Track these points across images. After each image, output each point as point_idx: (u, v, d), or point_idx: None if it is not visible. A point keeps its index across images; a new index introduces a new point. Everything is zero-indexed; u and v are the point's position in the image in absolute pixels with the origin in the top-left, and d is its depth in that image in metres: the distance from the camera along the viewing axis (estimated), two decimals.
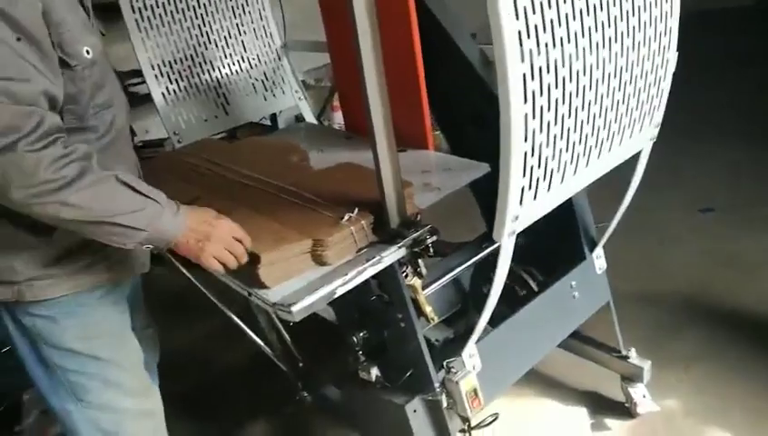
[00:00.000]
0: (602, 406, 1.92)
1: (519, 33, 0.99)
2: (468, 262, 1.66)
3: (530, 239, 1.79)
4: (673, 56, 1.37)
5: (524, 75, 1.01)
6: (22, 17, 0.95)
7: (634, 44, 1.24)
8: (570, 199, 1.66)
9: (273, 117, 2.44)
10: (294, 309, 1.13)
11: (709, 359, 2.02)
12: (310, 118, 2.37)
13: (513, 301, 1.69)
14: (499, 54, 0.98)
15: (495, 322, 1.55)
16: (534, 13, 1.01)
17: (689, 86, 4.35)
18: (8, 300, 1.15)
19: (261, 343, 1.84)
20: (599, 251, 1.75)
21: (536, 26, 1.01)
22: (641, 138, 1.44)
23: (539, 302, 1.62)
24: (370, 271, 1.23)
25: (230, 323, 1.59)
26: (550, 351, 1.89)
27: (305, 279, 1.21)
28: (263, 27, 2.30)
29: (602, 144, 1.28)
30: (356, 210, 1.28)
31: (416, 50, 1.61)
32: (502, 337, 1.52)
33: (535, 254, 1.79)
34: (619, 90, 1.25)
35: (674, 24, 1.33)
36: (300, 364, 1.98)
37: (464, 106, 1.71)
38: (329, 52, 1.96)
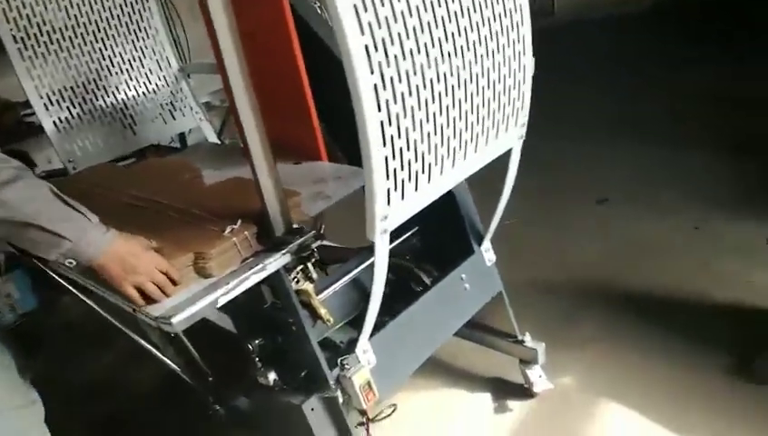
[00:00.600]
0: (504, 390, 2.03)
1: (366, 46, 1.07)
2: (363, 265, 1.73)
3: (423, 238, 1.91)
4: (529, 62, 1.50)
5: (375, 85, 1.09)
6: None
7: (487, 51, 1.35)
8: (454, 197, 1.79)
9: (182, 137, 2.47)
10: (174, 320, 1.17)
11: (603, 339, 2.16)
12: (212, 138, 2.41)
13: (410, 297, 1.78)
14: (348, 68, 1.06)
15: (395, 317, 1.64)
16: (380, 27, 1.09)
17: (587, 86, 4.69)
18: None
19: (169, 362, 1.86)
20: (487, 244, 1.86)
21: (383, 40, 1.10)
22: (509, 138, 1.55)
23: (430, 296, 1.71)
24: (254, 278, 1.28)
25: (135, 347, 1.60)
26: (450, 341, 2.00)
27: (190, 291, 1.25)
28: (159, 52, 2.33)
29: (466, 145, 1.38)
30: (239, 221, 1.33)
31: (299, 65, 1.68)
32: (395, 331, 1.60)
33: (428, 252, 1.90)
34: (477, 94, 1.35)
35: (526, 32, 1.45)
36: (210, 379, 2.01)
37: (348, 115, 1.78)
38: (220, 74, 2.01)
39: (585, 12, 7.27)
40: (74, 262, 1.15)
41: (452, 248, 1.87)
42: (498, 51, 1.38)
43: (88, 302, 1.64)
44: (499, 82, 1.41)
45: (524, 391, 1.99)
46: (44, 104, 2.03)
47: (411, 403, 2.02)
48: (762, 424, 1.73)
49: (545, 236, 2.87)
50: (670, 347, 2.05)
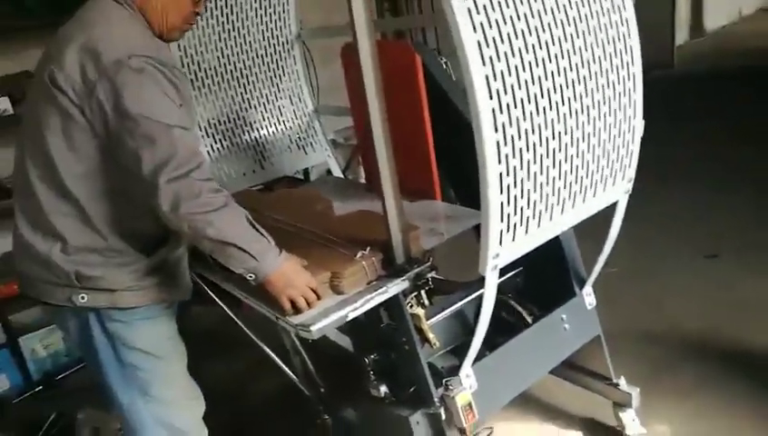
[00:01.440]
0: (596, 431, 2.10)
1: (493, 109, 1.26)
2: (468, 297, 1.89)
3: (528, 278, 2.05)
4: (639, 124, 1.63)
5: (497, 142, 1.28)
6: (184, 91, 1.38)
7: (599, 114, 1.50)
8: (559, 241, 1.92)
9: (306, 171, 2.76)
10: (313, 328, 1.39)
11: (702, 393, 2.17)
12: (337, 172, 2.68)
13: (511, 332, 1.91)
14: (477, 127, 1.25)
15: (494, 350, 1.79)
16: (506, 94, 1.28)
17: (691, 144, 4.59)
18: (102, 306, 1.45)
19: (289, 372, 2.11)
20: (588, 289, 1.97)
21: (507, 104, 1.29)
22: (615, 191, 1.68)
23: (531, 332, 1.84)
24: (378, 299, 1.49)
25: (258, 359, 1.84)
26: (548, 379, 2.12)
27: (322, 306, 1.47)
28: (297, 94, 2.64)
29: (575, 196, 1.53)
30: (368, 248, 1.54)
31: (425, 118, 1.89)
32: (496, 361, 1.74)
33: (532, 292, 2.03)
34: (588, 152, 1.50)
35: (637, 97, 1.59)
36: (322, 390, 2.23)
37: (466, 163, 1.97)
38: (351, 116, 2.27)
39: (708, 64, 7.12)
40: (254, 276, 1.39)
41: (554, 290, 1.98)
42: (610, 114, 1.53)
43: (228, 311, 1.92)
44: (609, 141, 1.55)
45: (615, 433, 2.05)
46: (202, 135, 2.37)
47: (503, 431, 2.14)
48: None
49: (648, 288, 2.89)
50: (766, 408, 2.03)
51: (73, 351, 3.01)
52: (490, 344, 1.81)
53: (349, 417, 2.14)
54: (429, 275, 1.57)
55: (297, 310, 1.44)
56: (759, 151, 4.27)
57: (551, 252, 1.95)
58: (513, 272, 2.02)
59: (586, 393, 2.14)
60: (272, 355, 2.06)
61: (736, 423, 2.02)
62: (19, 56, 3.09)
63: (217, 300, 1.92)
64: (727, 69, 6.68)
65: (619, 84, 1.52)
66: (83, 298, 1.44)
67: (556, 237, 1.90)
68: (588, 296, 1.97)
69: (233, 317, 1.97)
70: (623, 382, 2.03)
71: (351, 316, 1.45)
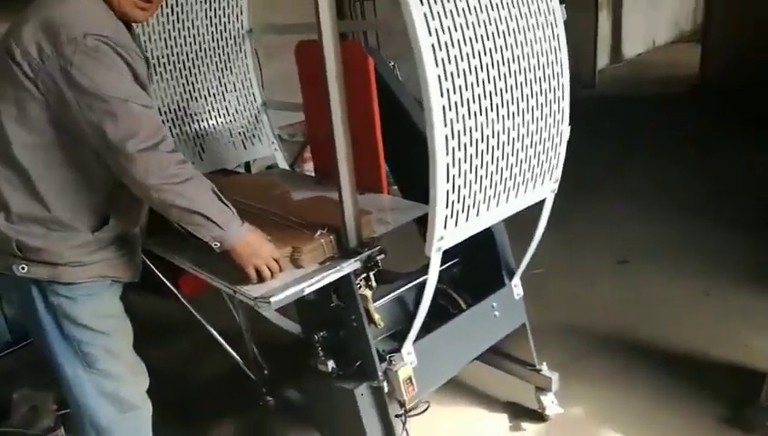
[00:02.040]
0: (520, 413, 2.30)
1: (444, 107, 1.42)
2: (410, 284, 2.04)
3: (463, 269, 2.22)
4: (566, 129, 1.83)
5: (446, 136, 1.44)
6: (141, 71, 1.44)
7: (533, 118, 1.69)
8: (492, 235, 2.10)
9: (247, 165, 2.83)
10: (273, 300, 1.49)
11: (613, 378, 2.43)
12: (284, 166, 2.77)
13: (447, 318, 2.07)
14: (429, 122, 1.41)
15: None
16: (455, 93, 1.45)
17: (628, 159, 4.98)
18: (43, 279, 1.47)
19: (234, 354, 2.19)
20: (516, 280, 2.16)
21: (456, 103, 1.45)
22: (543, 189, 1.88)
23: (466, 317, 2.01)
24: (333, 276, 1.61)
25: (196, 344, 1.90)
26: (477, 366, 2.30)
27: (281, 281, 1.58)
28: (247, 87, 2.71)
29: (509, 191, 1.71)
30: (326, 229, 1.66)
31: (375, 116, 2.02)
32: (434, 342, 1.90)
33: (466, 282, 2.20)
34: (522, 151, 1.69)
35: (565, 105, 1.80)
36: (266, 372, 2.32)
37: (411, 160, 2.13)
38: (304, 112, 2.38)
39: (625, 88, 7.68)
40: (219, 245, 1.49)
41: (487, 280, 2.16)
42: (541, 117, 1.72)
43: (178, 294, 1.98)
44: (540, 142, 1.75)
45: (537, 416, 2.26)
46: None
47: (437, 416, 2.29)
48: None
49: (569, 286, 3.15)
50: (672, 393, 2.30)
51: (4, 332, 2.96)
52: (428, 329, 1.96)
53: (292, 397, 2.25)
54: (379, 258, 1.71)
55: (261, 279, 1.54)
56: (669, 167, 4.69)
57: (484, 245, 2.14)
58: (450, 263, 2.20)
59: (510, 380, 2.33)
60: (218, 337, 2.15)
61: (640, 404, 2.27)
62: None
63: (164, 279, 1.99)
64: (642, 93, 7.24)
65: (550, 91, 1.72)
66: (23, 268, 1.46)
67: (489, 231, 2.10)
68: (516, 287, 2.16)
69: (180, 297, 2.04)
70: (545, 368, 2.23)
71: (308, 290, 1.56)
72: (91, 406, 1.61)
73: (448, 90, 1.43)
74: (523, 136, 1.68)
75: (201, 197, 1.46)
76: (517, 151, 1.68)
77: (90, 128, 1.36)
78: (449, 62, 1.43)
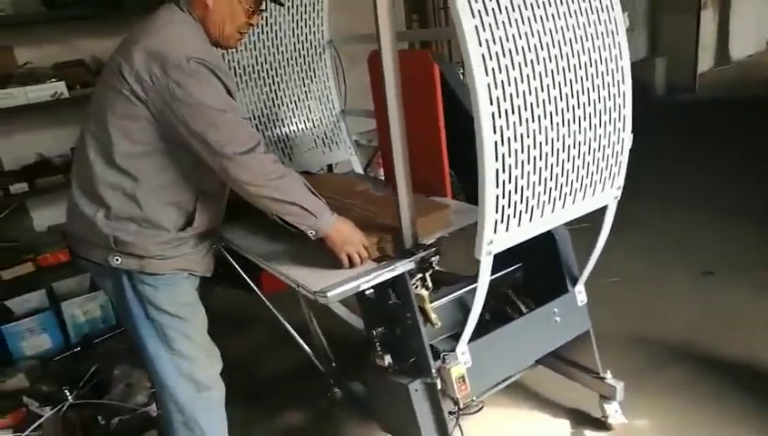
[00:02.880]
0: (582, 421, 2.28)
1: (493, 114, 1.47)
2: (469, 287, 2.08)
3: (527, 275, 2.24)
4: (628, 137, 1.82)
5: (495, 142, 1.49)
6: (232, 88, 1.65)
7: (590, 125, 1.70)
8: (555, 241, 2.11)
9: (330, 167, 2.99)
10: (329, 294, 1.61)
11: (683, 391, 2.35)
12: (359, 170, 2.90)
13: (509, 321, 2.10)
14: (478, 128, 1.46)
15: None
16: (504, 101, 1.49)
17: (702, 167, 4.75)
18: (133, 269, 1.68)
19: (305, 346, 2.32)
20: (580, 287, 2.14)
21: (506, 110, 1.50)
22: (605, 196, 1.87)
23: (524, 321, 2.04)
24: (386, 275, 1.70)
25: (272, 336, 2.04)
26: (542, 372, 2.32)
27: (340, 276, 1.69)
28: (326, 96, 2.86)
29: (565, 197, 1.73)
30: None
31: (440, 122, 2.10)
32: (490, 343, 1.94)
33: (529, 287, 2.22)
34: (578, 157, 1.70)
35: (627, 113, 1.79)
36: (334, 365, 2.45)
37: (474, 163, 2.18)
38: (375, 119, 2.49)
39: (729, 92, 7.24)
40: (314, 233, 1.68)
41: (550, 287, 2.17)
42: (600, 125, 1.73)
43: (254, 288, 2.13)
44: (598, 150, 1.75)
45: (600, 425, 2.23)
46: None
47: (497, 417, 2.33)
48: None
49: (646, 296, 3.06)
50: (743, 409, 2.20)
51: (109, 318, 3.29)
52: (489, 332, 2.01)
53: (357, 390, 2.36)
54: (433, 259, 1.78)
55: (352, 264, 1.71)
56: (761, 176, 4.41)
57: (548, 251, 2.15)
58: (513, 268, 2.23)
59: (575, 387, 2.32)
60: (291, 330, 2.29)
61: (709, 421, 2.18)
62: (74, 46, 3.39)
63: (244, 275, 2.15)
64: (746, 97, 6.80)
65: (609, 99, 1.72)
66: (117, 260, 1.67)
67: (553, 238, 2.11)
68: (580, 293, 2.15)
69: (259, 293, 2.20)
70: (609, 376, 2.20)
71: (363, 287, 1.66)
72: (170, 385, 1.80)
73: (498, 98, 1.48)
74: (579, 143, 1.69)
75: (296, 190, 1.66)
76: (573, 157, 1.69)
77: (195, 137, 1.58)
78: (500, 71, 1.48)
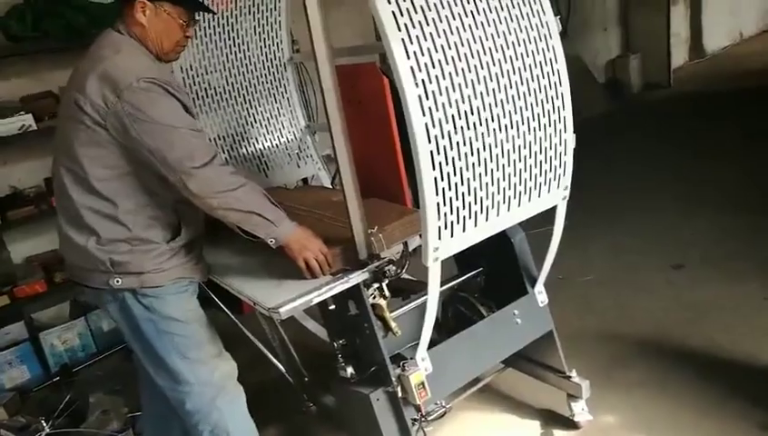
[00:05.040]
0: (551, 420, 2.30)
1: (426, 124, 1.51)
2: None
3: (488, 279, 2.27)
4: (570, 138, 1.86)
5: (431, 152, 1.52)
6: (186, 102, 1.69)
7: (529, 128, 1.73)
8: (511, 244, 2.14)
9: (305, 181, 3.02)
10: (281, 310, 1.63)
11: (649, 386, 2.37)
12: (327, 183, 2.94)
13: (470, 325, 2.13)
14: (412, 139, 1.50)
15: None
16: (437, 111, 1.53)
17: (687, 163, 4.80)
18: (135, 287, 1.73)
19: (278, 363, 2.34)
20: (540, 287, 2.17)
21: (439, 120, 1.53)
22: (552, 197, 1.91)
23: (484, 324, 2.07)
24: (340, 287, 1.73)
25: (253, 354, 2.07)
26: (511, 374, 2.37)
27: (295, 292, 1.71)
28: (291, 112, 2.90)
29: (509, 200, 1.76)
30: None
31: (393, 132, 2.09)
32: (450, 348, 1.97)
33: (491, 291, 2.25)
34: (519, 161, 1.74)
35: (567, 114, 1.82)
36: (306, 379, 2.46)
37: None
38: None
39: (703, 85, 7.32)
40: (274, 240, 1.72)
41: (511, 289, 2.20)
42: (540, 128, 1.76)
43: (228, 313, 2.15)
44: (540, 152, 1.79)
45: (570, 424, 2.25)
46: None
47: (467, 419, 2.35)
48: None
49: (618, 293, 3.09)
50: (711, 399, 2.22)
51: (89, 346, 3.30)
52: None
53: (329, 403, 2.38)
54: (388, 268, 1.80)
55: (312, 273, 1.74)
56: (732, 168, 4.47)
57: (506, 254, 2.18)
58: (472, 273, 2.26)
59: (545, 388, 2.34)
60: (263, 349, 2.30)
61: (676, 414, 2.20)
62: (42, 78, 3.42)
63: (219, 303, 2.16)
64: (720, 89, 6.87)
65: (547, 102, 1.76)
66: (117, 281, 1.73)
67: (510, 241, 2.14)
68: (540, 294, 2.18)
69: (232, 317, 2.21)
70: (574, 375, 2.23)
71: (315, 300, 1.69)
72: (192, 392, 1.85)
73: (429, 108, 1.52)
74: (519, 147, 1.73)
75: (255, 200, 1.70)
76: (514, 161, 1.73)
77: (153, 155, 1.63)
78: (430, 81, 1.52)
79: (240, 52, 2.71)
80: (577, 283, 3.23)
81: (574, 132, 1.87)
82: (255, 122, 2.81)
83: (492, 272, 2.27)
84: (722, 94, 6.66)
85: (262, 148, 2.82)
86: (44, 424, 2.54)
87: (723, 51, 9.14)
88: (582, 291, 3.15)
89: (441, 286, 2.08)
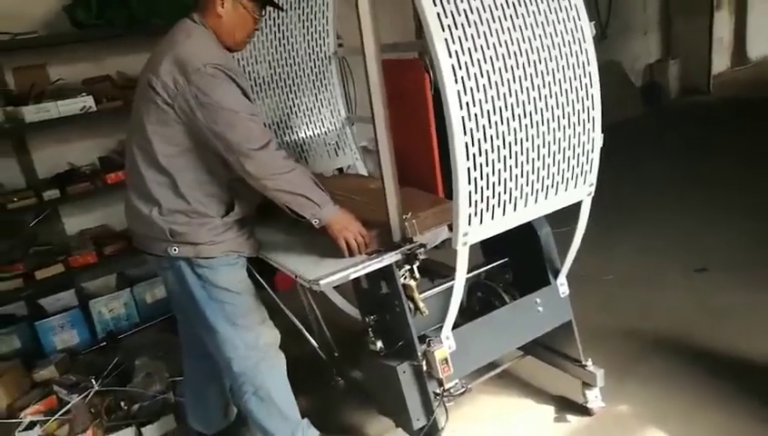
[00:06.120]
0: (566, 406, 2.42)
1: (463, 118, 1.64)
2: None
3: (514, 270, 2.39)
4: (598, 136, 1.97)
5: (466, 144, 1.65)
6: (247, 90, 1.85)
7: (559, 125, 1.85)
8: (537, 235, 2.26)
9: (341, 171, 3.17)
10: (322, 282, 1.78)
11: (664, 380, 2.47)
12: (364, 172, 3.08)
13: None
14: (449, 132, 1.63)
15: None
16: (474, 106, 1.66)
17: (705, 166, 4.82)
18: (190, 256, 1.91)
19: (310, 338, 2.49)
20: (562, 279, 2.28)
21: (475, 114, 1.66)
22: (577, 193, 2.02)
23: (507, 310, 2.19)
24: (374, 265, 1.87)
25: (286, 330, 2.21)
26: (530, 362, 2.46)
27: (334, 267, 1.86)
28: (333, 104, 3.05)
29: (537, 193, 1.88)
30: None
31: (431, 125, 2.24)
32: (474, 329, 2.10)
33: (516, 280, 2.37)
34: (549, 156, 1.85)
35: (596, 114, 1.93)
36: (336, 355, 2.62)
37: None
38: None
39: (744, 92, 7.25)
40: (318, 221, 1.87)
41: (535, 280, 2.32)
42: (569, 126, 1.88)
43: (265, 285, 2.31)
44: (569, 148, 1.90)
45: (584, 411, 2.36)
46: None
47: (485, 401, 2.48)
48: None
49: (639, 293, 3.17)
50: (723, 396, 2.31)
51: (133, 316, 3.52)
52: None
53: (357, 378, 2.53)
54: (419, 252, 1.94)
55: (350, 252, 1.89)
56: (761, 177, 4.49)
57: (532, 247, 2.30)
58: (499, 263, 2.39)
59: (562, 377, 2.46)
60: (297, 322, 2.47)
61: (688, 408, 2.30)
62: (102, 63, 3.65)
63: (260, 279, 2.31)
64: (759, 98, 6.81)
65: (578, 102, 1.87)
66: (174, 250, 1.91)
67: (537, 234, 2.26)
68: (562, 285, 2.29)
69: (271, 293, 2.37)
70: (590, 364, 2.34)
71: (352, 276, 1.84)
72: (239, 356, 2.03)
73: (467, 103, 1.65)
74: (549, 143, 1.84)
75: (304, 183, 1.86)
76: (543, 157, 1.85)
77: (215, 136, 1.80)
78: (469, 78, 1.64)
79: (288, 44, 2.87)
80: (600, 281, 3.32)
81: (603, 132, 1.97)
82: (299, 112, 2.96)
83: (518, 264, 2.39)
84: (763, 101, 6.61)
85: (304, 137, 2.98)
86: (94, 383, 2.74)
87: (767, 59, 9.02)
88: (604, 289, 3.24)
89: (468, 273, 2.23)
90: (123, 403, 2.66)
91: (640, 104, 7.06)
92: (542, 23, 1.79)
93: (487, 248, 2.44)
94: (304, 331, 2.50)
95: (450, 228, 1.87)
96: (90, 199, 3.61)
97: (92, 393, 2.71)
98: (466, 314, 2.39)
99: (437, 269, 2.34)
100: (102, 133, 3.72)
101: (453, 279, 2.20)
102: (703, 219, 3.95)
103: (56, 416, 2.63)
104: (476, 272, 2.35)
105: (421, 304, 2.02)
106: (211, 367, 2.26)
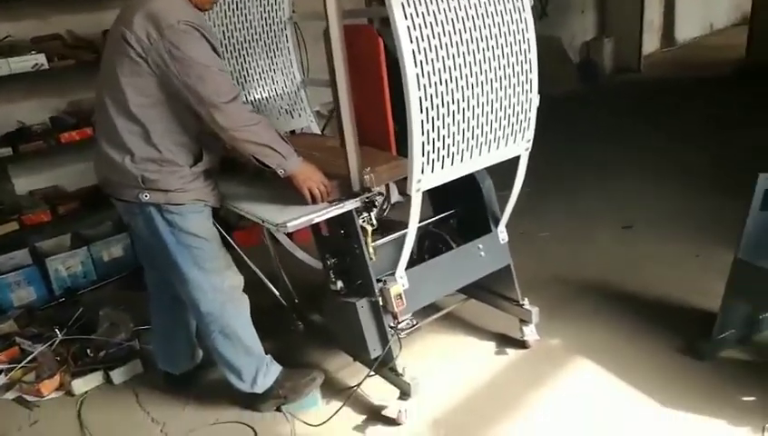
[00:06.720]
0: (505, 342, 2.70)
1: (417, 75, 1.84)
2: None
3: (459, 220, 2.63)
4: (535, 97, 2.21)
5: (420, 99, 1.86)
6: (217, 46, 1.98)
7: (500, 84, 2.08)
8: (480, 189, 2.50)
9: (293, 133, 3.31)
10: (289, 225, 1.96)
11: (591, 318, 2.79)
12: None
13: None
14: (405, 87, 1.83)
15: None
16: (427, 64, 1.86)
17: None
18: (160, 202, 2.04)
19: (271, 286, 2.67)
20: (502, 227, 2.54)
21: (428, 72, 1.87)
22: (516, 147, 2.27)
23: (453, 254, 2.44)
24: (336, 211, 2.06)
25: (248, 283, 2.37)
26: (474, 305, 2.72)
27: (298, 213, 2.04)
28: (288, 68, 3.18)
29: (480, 146, 2.11)
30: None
31: (384, 88, 2.41)
32: (424, 270, 2.33)
33: (462, 230, 2.62)
34: (491, 112, 2.09)
35: (533, 76, 2.17)
36: (296, 301, 2.81)
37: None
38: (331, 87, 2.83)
39: (670, 72, 7.75)
40: (283, 171, 2.02)
41: (478, 229, 2.57)
42: (509, 87, 2.11)
43: (227, 237, 2.45)
44: (509, 107, 2.14)
45: (521, 345, 2.65)
46: None
47: (433, 339, 2.74)
48: (695, 385, 2.30)
49: (573, 246, 3.50)
50: (641, 329, 2.66)
51: (90, 273, 3.59)
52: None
53: (316, 321, 2.73)
54: (376, 198, 2.14)
55: (314, 200, 2.05)
56: (687, 147, 4.93)
57: (476, 200, 2.54)
58: (447, 214, 2.63)
59: (502, 317, 2.73)
60: (259, 273, 2.64)
61: (611, 340, 2.63)
62: (50, 21, 3.63)
63: (222, 232, 2.45)
64: (685, 77, 7.33)
65: (517, 64, 2.11)
66: (146, 196, 2.03)
67: (480, 187, 2.50)
68: (501, 233, 2.55)
69: (231, 242, 2.53)
70: (526, 302, 2.62)
71: (316, 220, 2.02)
72: (206, 298, 2.19)
73: (421, 61, 1.85)
74: (492, 101, 2.08)
75: (269, 135, 2.01)
76: (487, 113, 2.08)
77: (186, 89, 1.92)
78: (422, 39, 1.85)
79: (245, 9, 2.97)
80: (536, 238, 3.63)
81: (541, 105, 2.22)
82: (255, 74, 3.08)
83: (463, 214, 2.63)
84: (689, 81, 7.11)
85: (260, 98, 3.10)
86: (58, 332, 2.83)
87: (694, 41, 9.61)
88: (540, 245, 3.55)
89: (420, 222, 2.46)
90: (89, 351, 2.77)
91: (577, 80, 7.45)
92: None
93: (436, 201, 2.68)
94: (265, 280, 2.68)
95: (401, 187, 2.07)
96: (41, 159, 3.61)
97: (56, 342, 2.80)
98: (417, 262, 2.63)
99: (390, 225, 2.55)
100: (51, 93, 3.70)
101: (406, 229, 2.47)
102: (634, 184, 4.33)
103: (22, 363, 2.72)
104: (426, 222, 2.58)
105: (371, 250, 2.21)
106: (178, 313, 2.42)
